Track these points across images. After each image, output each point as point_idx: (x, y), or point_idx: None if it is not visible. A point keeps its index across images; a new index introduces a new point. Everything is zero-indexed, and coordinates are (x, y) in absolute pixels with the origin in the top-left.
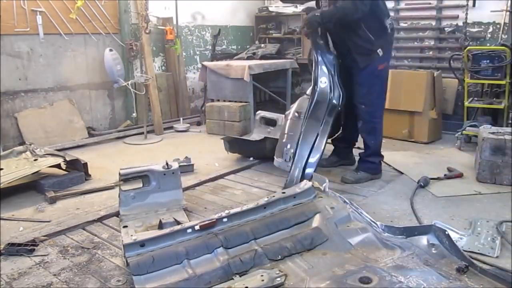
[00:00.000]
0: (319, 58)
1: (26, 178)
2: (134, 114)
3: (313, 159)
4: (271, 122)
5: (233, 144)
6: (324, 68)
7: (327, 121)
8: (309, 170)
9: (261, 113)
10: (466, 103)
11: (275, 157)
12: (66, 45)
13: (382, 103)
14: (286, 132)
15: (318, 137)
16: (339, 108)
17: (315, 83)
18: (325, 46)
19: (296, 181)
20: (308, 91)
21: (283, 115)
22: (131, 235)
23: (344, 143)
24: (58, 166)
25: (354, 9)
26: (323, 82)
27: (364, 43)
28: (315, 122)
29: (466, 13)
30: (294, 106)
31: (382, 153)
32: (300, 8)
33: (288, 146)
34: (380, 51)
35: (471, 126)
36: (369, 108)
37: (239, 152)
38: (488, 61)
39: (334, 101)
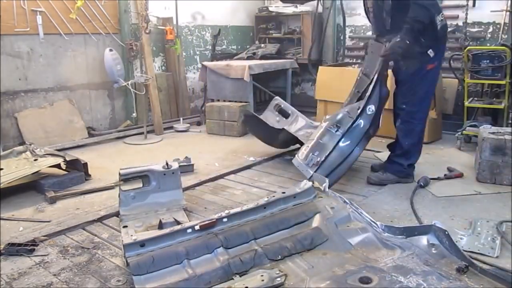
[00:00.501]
0: (378, 88)
1: (26, 178)
2: (134, 114)
3: (335, 175)
4: (284, 113)
5: (248, 120)
6: (377, 97)
7: (361, 145)
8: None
9: (278, 100)
10: (466, 103)
11: (296, 156)
12: (66, 45)
13: (425, 106)
14: (317, 138)
15: (348, 157)
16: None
17: (364, 108)
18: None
19: None
20: (348, 108)
21: (298, 111)
22: (131, 235)
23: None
24: (58, 166)
25: (425, 11)
26: (371, 110)
27: (415, 47)
28: (351, 143)
29: (466, 13)
30: (332, 117)
31: (378, 154)
32: (300, 8)
33: (316, 153)
34: (431, 52)
35: (471, 126)
36: (410, 108)
37: (249, 129)
38: (488, 61)
39: (371, 132)
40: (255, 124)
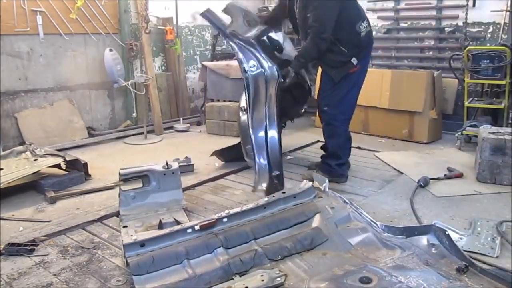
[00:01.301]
0: (237, 45)
1: (26, 178)
2: (134, 114)
3: (272, 144)
4: None
5: (225, 154)
6: (246, 52)
7: (271, 97)
8: (273, 154)
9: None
10: (466, 103)
11: (245, 159)
12: (66, 45)
13: (347, 108)
14: (240, 131)
15: (268, 118)
16: (282, 80)
17: (245, 71)
18: (236, 33)
19: (265, 172)
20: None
21: None
22: (131, 235)
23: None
24: (58, 166)
25: (317, 50)
26: (252, 65)
27: (337, 57)
28: (259, 107)
29: (466, 13)
30: (240, 103)
31: (378, 153)
32: None
33: (248, 146)
34: (354, 60)
35: (471, 126)
36: (332, 111)
37: (236, 159)
38: (488, 61)
39: (272, 74)
40: (231, 152)
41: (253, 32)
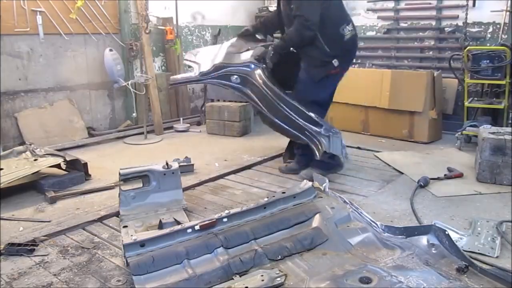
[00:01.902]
0: (212, 78)
1: (26, 178)
2: (134, 114)
3: (299, 114)
4: None
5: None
6: (222, 76)
7: (266, 84)
8: (307, 120)
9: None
10: (466, 103)
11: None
12: (66, 45)
13: (317, 109)
14: (276, 130)
15: (278, 101)
16: (264, 65)
17: (235, 88)
18: (204, 72)
19: (319, 138)
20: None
21: None
22: (131, 235)
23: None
24: (58, 166)
25: (300, 36)
26: (234, 79)
27: (319, 55)
28: (266, 100)
29: (466, 13)
30: (254, 112)
31: (378, 153)
32: None
33: (289, 133)
34: (335, 62)
35: (471, 126)
36: (303, 107)
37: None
38: (488, 61)
39: (252, 70)
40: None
41: (213, 60)
